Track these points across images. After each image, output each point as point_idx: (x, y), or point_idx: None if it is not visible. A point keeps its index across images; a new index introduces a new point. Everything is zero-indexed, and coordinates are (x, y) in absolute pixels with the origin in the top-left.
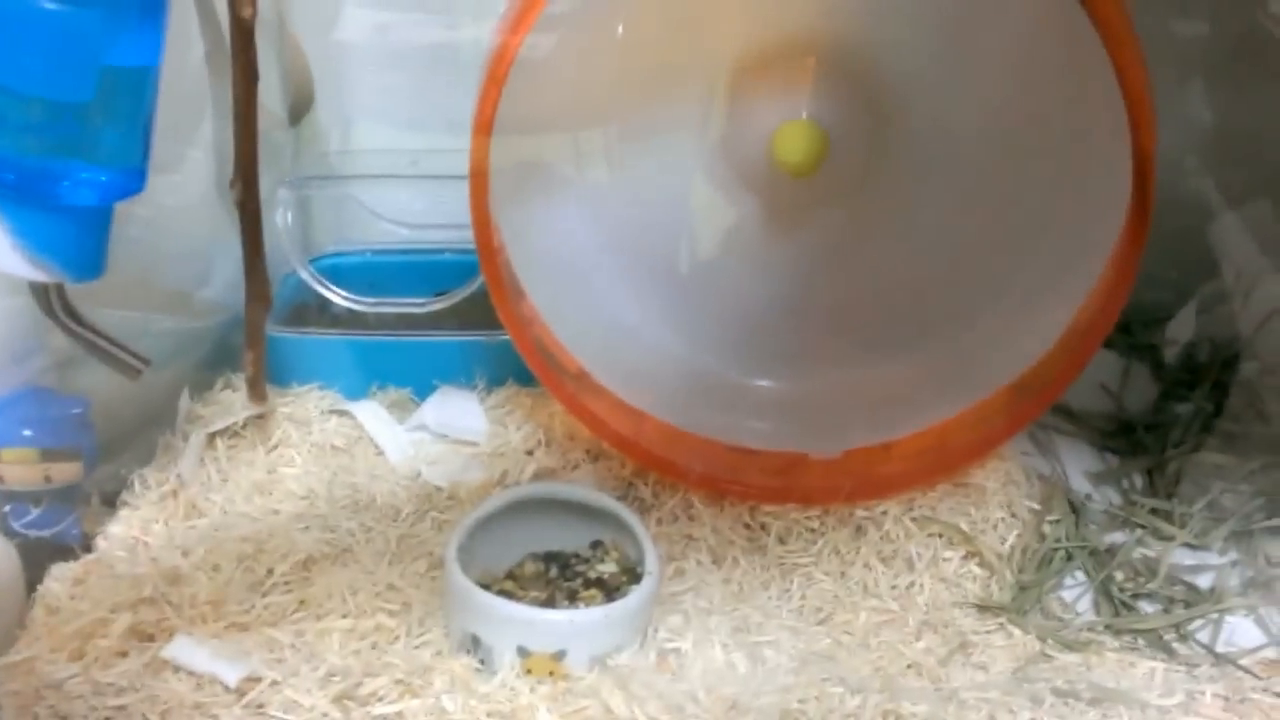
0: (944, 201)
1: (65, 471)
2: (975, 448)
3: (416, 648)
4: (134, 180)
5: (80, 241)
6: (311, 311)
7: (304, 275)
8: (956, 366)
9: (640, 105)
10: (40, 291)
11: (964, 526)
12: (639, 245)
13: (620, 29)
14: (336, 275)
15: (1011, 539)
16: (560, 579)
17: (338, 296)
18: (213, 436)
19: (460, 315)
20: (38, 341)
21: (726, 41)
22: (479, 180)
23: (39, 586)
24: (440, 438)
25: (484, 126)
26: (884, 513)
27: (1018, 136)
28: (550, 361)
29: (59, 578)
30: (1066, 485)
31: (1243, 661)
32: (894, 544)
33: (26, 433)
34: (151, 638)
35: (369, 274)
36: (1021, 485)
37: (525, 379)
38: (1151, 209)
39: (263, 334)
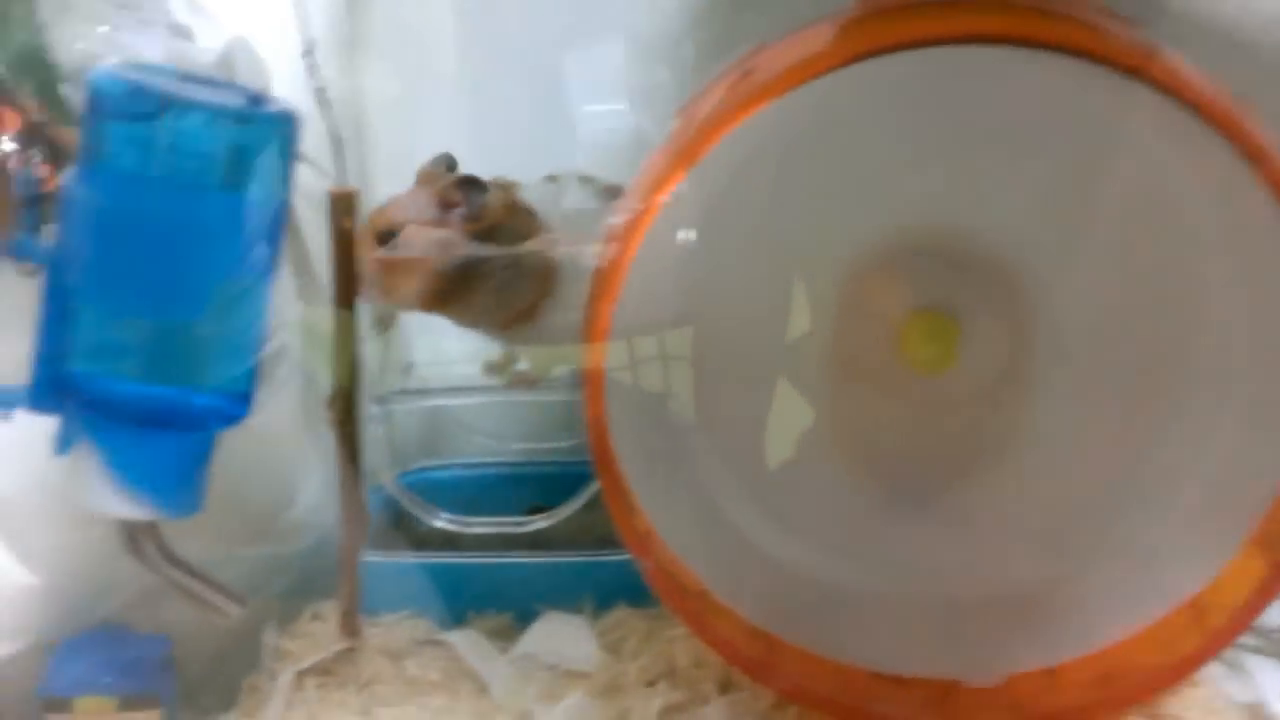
0: (1099, 396)
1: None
2: (1160, 674)
3: None
4: (241, 406)
5: (181, 474)
6: (398, 533)
7: (394, 492)
8: (1129, 579)
9: (754, 308)
10: (128, 531)
11: None
12: (754, 447)
13: (734, 229)
14: (426, 492)
15: None
16: None
17: (430, 515)
18: (301, 675)
19: (561, 534)
20: (112, 575)
21: (845, 235)
22: (595, 384)
23: None
24: (549, 668)
25: (600, 333)
26: None
27: (1181, 314)
28: (671, 581)
29: None
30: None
31: None
32: None
33: (103, 680)
34: None
35: (461, 490)
36: (1226, 715)
37: (638, 601)
38: None
39: (357, 562)
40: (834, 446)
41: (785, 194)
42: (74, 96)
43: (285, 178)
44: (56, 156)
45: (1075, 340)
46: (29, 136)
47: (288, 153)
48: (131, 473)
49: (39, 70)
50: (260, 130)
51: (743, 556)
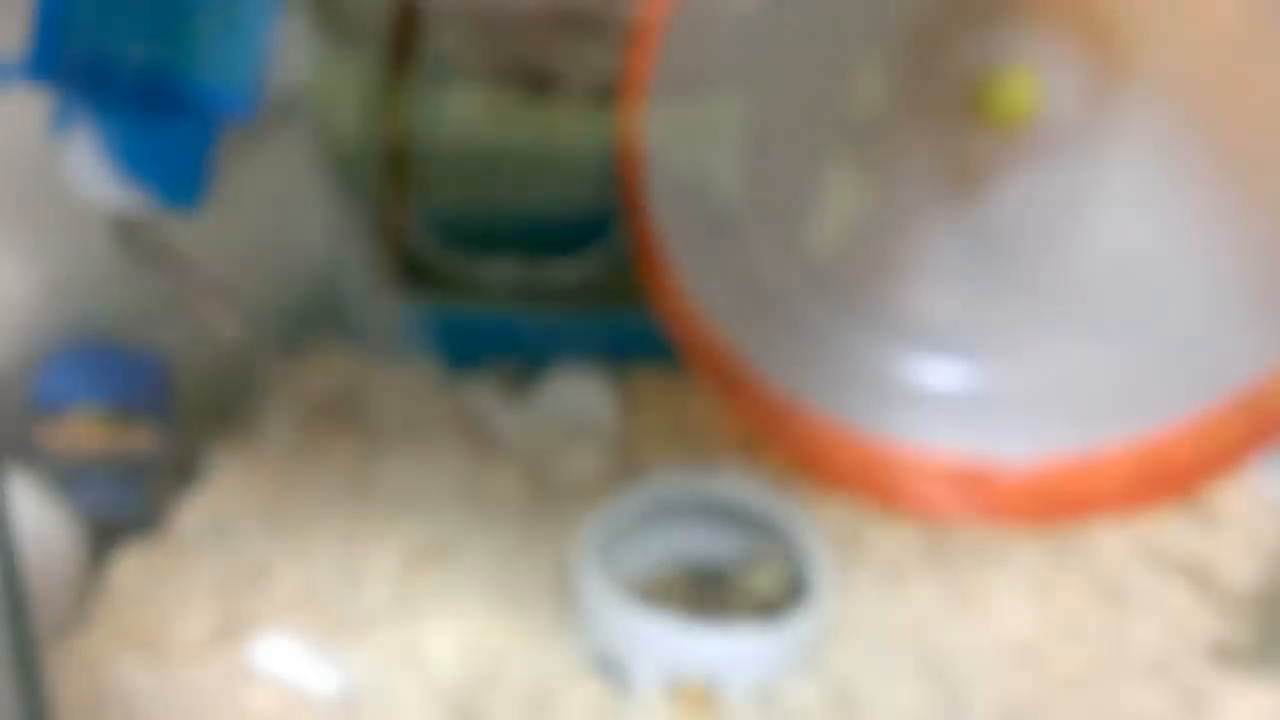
0: (1171, 167)
1: (138, 437)
2: (1202, 465)
3: (539, 666)
4: (244, 99)
5: (181, 164)
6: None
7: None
8: (1176, 364)
9: (835, 65)
10: (124, 225)
11: (1194, 557)
12: (799, 201)
13: None
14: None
15: (1256, 576)
16: (707, 594)
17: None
18: (300, 409)
19: (574, 285)
20: (109, 287)
21: None
22: (630, 141)
23: (104, 568)
24: (561, 421)
25: (635, 86)
26: (1091, 535)
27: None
28: (698, 338)
29: (129, 558)
30: None
31: None
32: (1105, 573)
33: (94, 392)
34: (235, 634)
35: (473, 234)
36: (1269, 514)
37: (657, 359)
38: None
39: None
40: (885, 197)
41: None
42: None
43: None
44: None
45: (1158, 97)
46: None
47: None
48: (129, 157)
49: None
50: None
51: (775, 316)
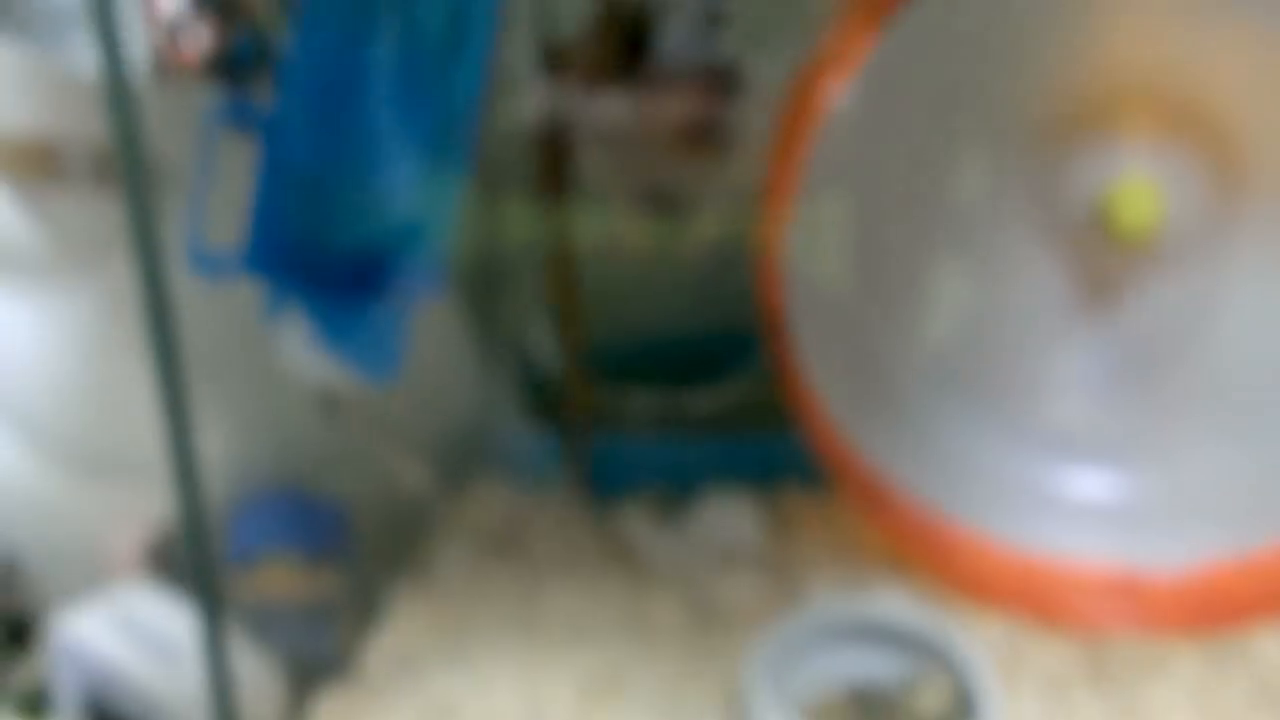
0: None
1: (327, 581)
2: None
3: None
4: (439, 279)
5: (383, 343)
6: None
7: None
8: None
9: (943, 163)
10: (326, 396)
11: None
12: (936, 320)
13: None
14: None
15: None
16: (874, 717)
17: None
18: (470, 547)
19: (719, 409)
20: (294, 441)
21: (1044, 86)
22: (772, 252)
23: (304, 710)
24: (712, 546)
25: (781, 190)
26: (1250, 639)
27: None
28: (845, 461)
29: (328, 701)
30: None
31: None
32: (1266, 678)
33: (288, 537)
34: None
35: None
36: None
37: (806, 481)
38: None
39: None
40: (1022, 315)
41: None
42: None
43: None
44: (229, 14)
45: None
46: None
47: (496, 25)
48: (336, 338)
49: None
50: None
51: (921, 434)
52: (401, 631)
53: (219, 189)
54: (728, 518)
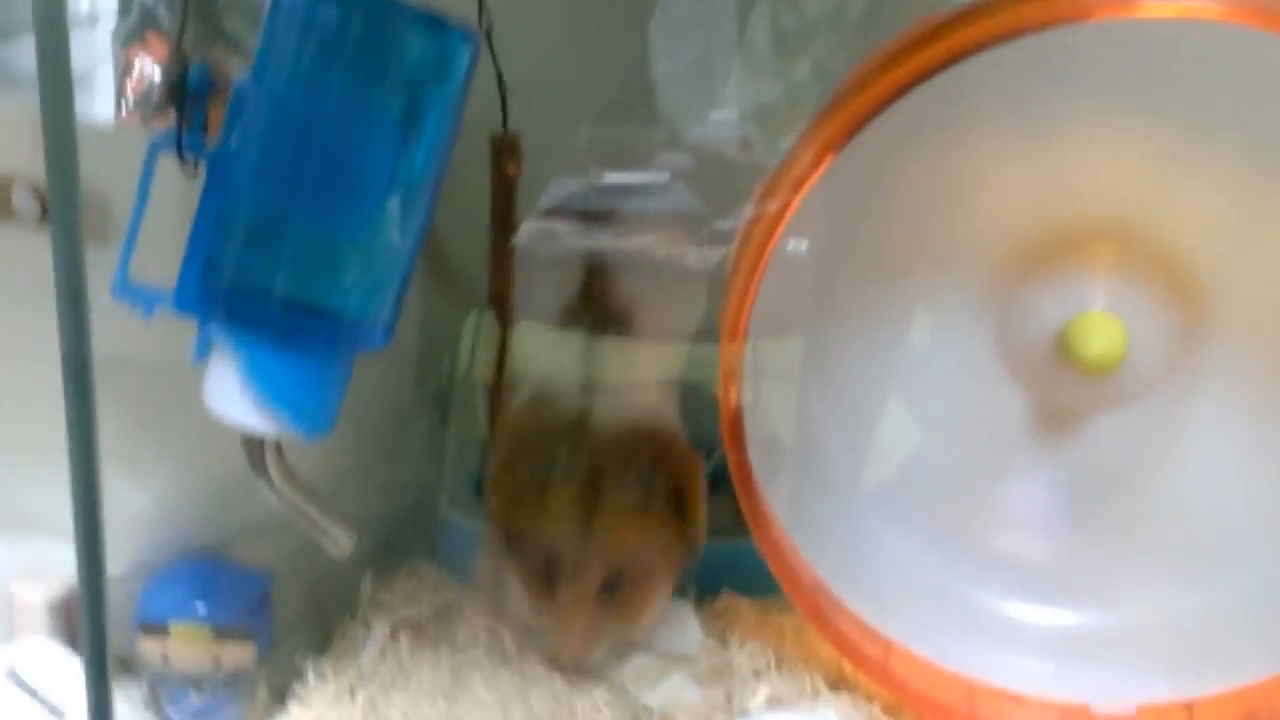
0: (1257, 410)
1: (237, 655)
2: None
3: None
4: (384, 334)
5: (317, 394)
6: None
7: None
8: (1273, 611)
9: (896, 295)
10: (254, 446)
11: None
12: (890, 448)
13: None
14: None
15: None
16: None
17: None
18: (395, 628)
19: None
20: (217, 505)
21: (1004, 225)
22: (730, 381)
23: None
24: (650, 651)
25: (736, 332)
26: None
27: None
28: (791, 571)
29: None
30: None
31: None
32: None
33: (200, 607)
34: None
35: None
36: None
37: (746, 589)
38: None
39: None
40: (975, 445)
41: (940, 182)
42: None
43: (459, 106)
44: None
45: (1247, 345)
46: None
47: (465, 77)
48: (269, 386)
49: None
50: (446, 44)
51: (866, 554)
52: (312, 712)
53: (175, 227)
54: (668, 623)
